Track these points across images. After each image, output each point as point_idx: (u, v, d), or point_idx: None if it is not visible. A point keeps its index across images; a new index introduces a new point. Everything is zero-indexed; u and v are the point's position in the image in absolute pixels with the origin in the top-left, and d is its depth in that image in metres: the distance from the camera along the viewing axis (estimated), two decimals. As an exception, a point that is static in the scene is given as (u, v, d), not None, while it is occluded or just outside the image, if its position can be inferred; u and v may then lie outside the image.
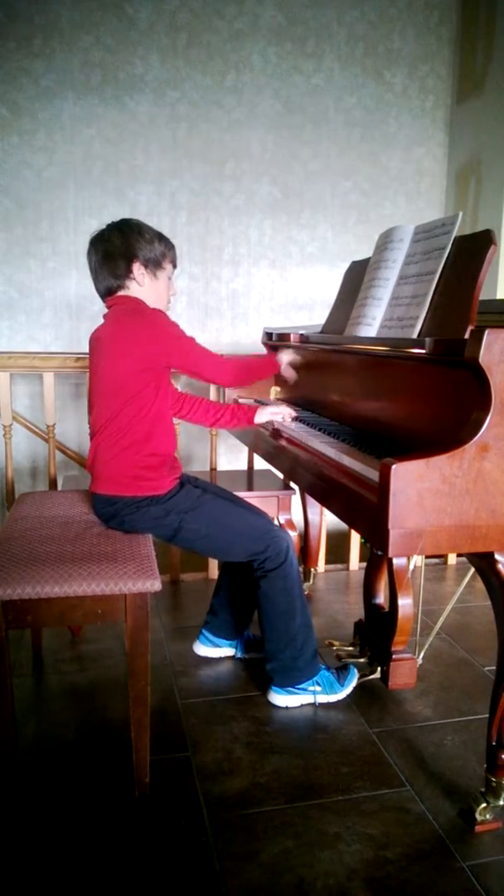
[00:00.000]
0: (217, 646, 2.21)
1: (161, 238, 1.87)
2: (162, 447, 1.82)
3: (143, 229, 1.85)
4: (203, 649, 2.22)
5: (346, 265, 2.32)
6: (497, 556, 1.35)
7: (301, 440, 1.84)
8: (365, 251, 2.18)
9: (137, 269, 1.82)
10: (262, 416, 2.03)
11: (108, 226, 1.85)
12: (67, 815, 1.53)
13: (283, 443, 1.95)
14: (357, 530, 1.53)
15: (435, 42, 3.95)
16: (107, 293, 1.87)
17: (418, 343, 1.47)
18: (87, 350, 1.89)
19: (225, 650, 2.22)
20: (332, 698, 1.96)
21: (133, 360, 1.73)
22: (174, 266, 1.94)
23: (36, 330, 3.76)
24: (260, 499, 2.43)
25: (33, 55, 3.49)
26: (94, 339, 1.83)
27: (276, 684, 1.95)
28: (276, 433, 2.04)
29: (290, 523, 2.54)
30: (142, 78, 3.63)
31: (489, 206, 3.67)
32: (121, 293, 1.85)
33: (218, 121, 3.77)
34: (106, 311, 1.87)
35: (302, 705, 1.95)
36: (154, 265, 1.85)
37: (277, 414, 2.02)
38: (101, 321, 1.86)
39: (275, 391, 2.58)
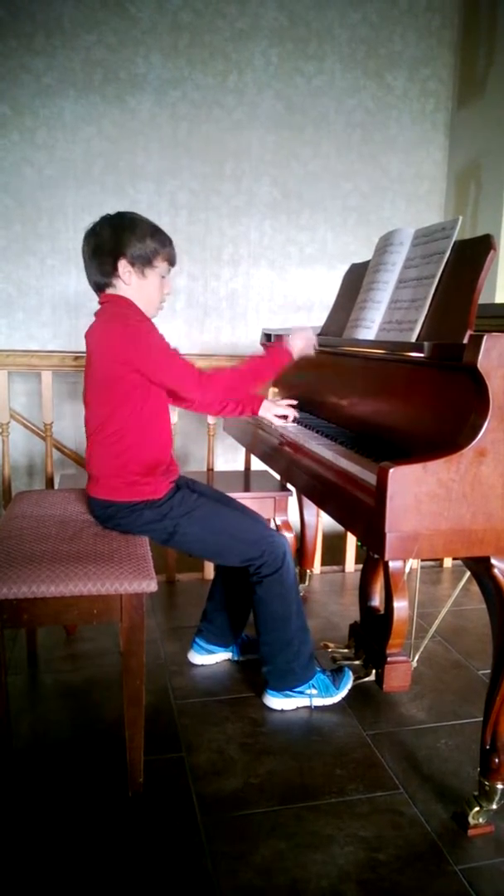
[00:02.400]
0: (212, 653, 2.20)
1: (155, 234, 1.78)
2: (156, 453, 1.81)
3: (137, 224, 1.76)
4: (198, 658, 2.20)
5: (345, 267, 2.33)
6: (493, 561, 1.35)
7: (298, 442, 1.84)
8: (364, 253, 2.18)
9: (123, 267, 1.75)
10: (267, 412, 2.04)
11: (102, 218, 1.78)
12: (61, 814, 1.53)
13: (281, 444, 1.95)
14: (353, 533, 1.53)
15: (436, 45, 3.95)
16: (96, 289, 1.83)
17: (417, 347, 1.47)
18: (84, 349, 1.87)
19: (220, 656, 2.21)
20: (328, 701, 1.96)
21: (116, 367, 1.70)
22: (171, 264, 1.84)
23: (34, 328, 3.75)
24: (256, 500, 2.43)
25: (35, 53, 3.48)
26: (87, 338, 1.81)
27: (272, 687, 1.95)
28: (274, 433, 2.04)
29: (287, 525, 2.54)
30: (143, 77, 3.63)
31: (489, 211, 3.67)
32: (109, 291, 1.80)
33: (219, 121, 3.76)
34: (98, 307, 1.84)
35: (297, 708, 1.95)
36: (143, 263, 1.76)
37: (281, 418, 2.04)
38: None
39: (273, 392, 2.58)
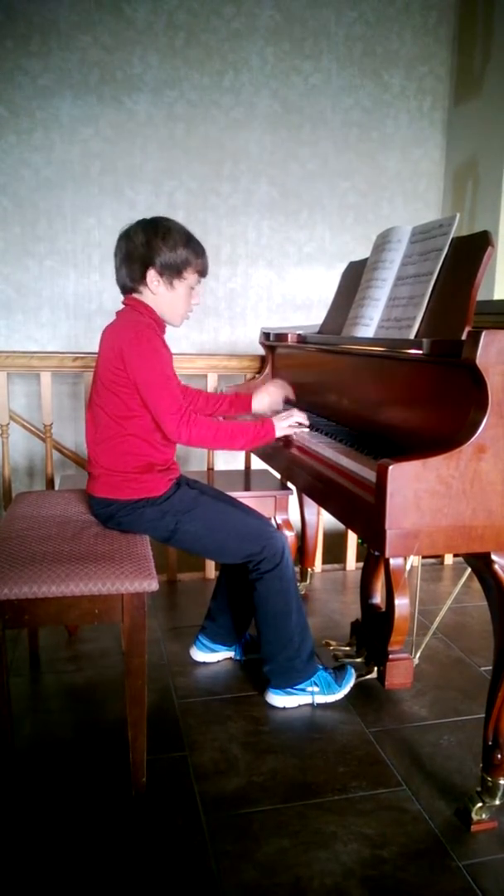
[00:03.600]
0: (214, 651, 2.20)
1: (188, 244, 1.78)
2: (158, 452, 1.82)
3: (170, 233, 1.76)
4: (201, 655, 2.20)
5: (343, 265, 2.33)
6: (493, 557, 1.35)
7: (298, 440, 1.84)
8: (362, 252, 2.18)
9: (152, 276, 1.76)
10: (281, 431, 1.84)
11: (138, 222, 1.79)
12: (64, 814, 1.53)
13: (281, 443, 1.95)
14: (354, 531, 1.53)
15: (433, 43, 3.96)
16: (123, 291, 1.84)
17: (415, 344, 1.47)
18: (83, 349, 1.88)
19: (222, 654, 2.21)
20: (330, 699, 1.96)
21: (120, 372, 1.72)
22: (201, 275, 1.84)
23: (33, 329, 3.75)
24: (257, 499, 2.43)
25: (31, 54, 3.49)
26: (102, 335, 1.82)
27: (274, 685, 1.95)
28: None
29: (287, 523, 2.54)
30: (140, 77, 3.63)
31: (486, 208, 3.67)
32: (135, 295, 1.82)
33: (216, 121, 3.77)
34: (121, 307, 1.85)
35: (299, 706, 1.96)
36: (172, 273, 1.77)
37: (294, 427, 1.86)
38: (100, 319, 1.85)
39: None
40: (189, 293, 1.84)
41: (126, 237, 1.79)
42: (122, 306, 1.85)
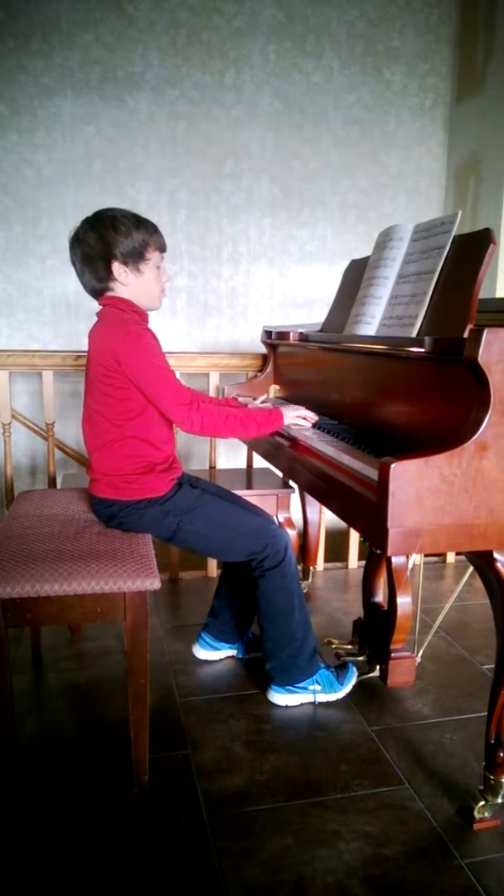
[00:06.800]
0: (217, 649, 2.20)
1: (140, 225, 1.74)
2: (158, 452, 1.81)
3: (119, 221, 1.72)
4: (203, 653, 2.20)
5: (345, 263, 2.32)
6: (496, 555, 1.35)
7: (300, 438, 1.84)
8: (364, 250, 2.17)
9: (117, 268, 1.73)
10: (290, 419, 1.89)
11: (83, 223, 1.76)
12: (67, 812, 1.53)
13: (282, 441, 1.95)
14: (356, 529, 1.53)
15: (435, 40, 3.95)
16: (94, 295, 1.82)
17: (417, 342, 1.47)
18: (85, 348, 1.87)
19: (225, 653, 2.21)
20: (332, 697, 1.96)
21: (115, 374, 1.70)
22: (162, 250, 1.81)
23: (35, 328, 3.75)
24: (259, 497, 2.43)
25: (32, 53, 3.48)
26: (89, 338, 1.80)
27: (276, 683, 1.95)
28: (276, 431, 2.04)
29: (290, 522, 2.54)
30: (141, 76, 3.63)
31: (488, 205, 3.67)
32: (109, 294, 1.79)
33: (217, 119, 3.76)
34: (99, 308, 1.82)
35: (301, 704, 1.96)
36: (136, 259, 1.74)
37: (300, 419, 1.90)
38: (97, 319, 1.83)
39: (274, 390, 2.59)
40: (157, 273, 1.81)
41: (77, 241, 1.76)
42: (100, 307, 1.81)
